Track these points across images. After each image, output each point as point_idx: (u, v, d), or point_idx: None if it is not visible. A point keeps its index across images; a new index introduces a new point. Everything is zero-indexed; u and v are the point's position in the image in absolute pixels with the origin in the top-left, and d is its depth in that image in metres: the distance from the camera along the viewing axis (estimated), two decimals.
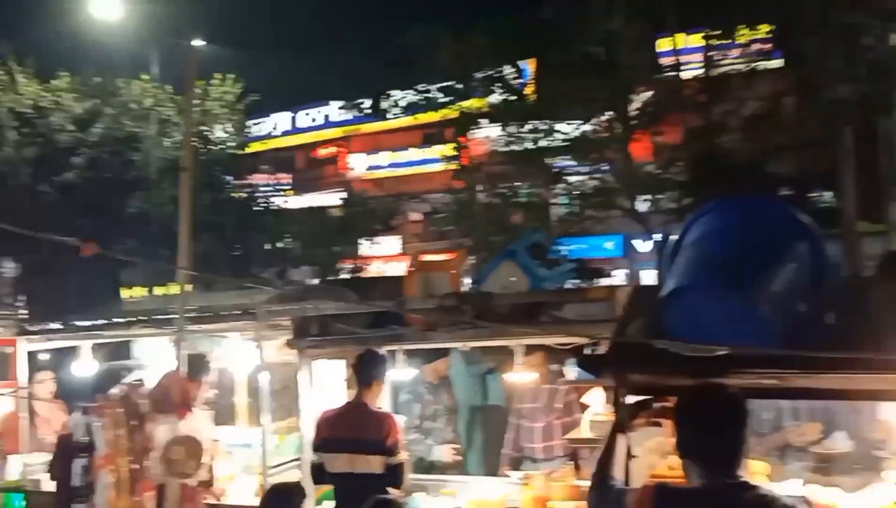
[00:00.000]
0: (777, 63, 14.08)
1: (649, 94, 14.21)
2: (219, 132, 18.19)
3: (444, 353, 5.38)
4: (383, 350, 4.20)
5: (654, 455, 3.51)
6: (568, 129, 14.74)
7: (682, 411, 2.27)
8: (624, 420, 2.56)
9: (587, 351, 3.28)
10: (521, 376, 4.64)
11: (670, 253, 2.50)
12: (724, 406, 2.18)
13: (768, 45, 13.24)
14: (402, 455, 4.07)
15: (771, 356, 2.09)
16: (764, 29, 12.89)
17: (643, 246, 18.55)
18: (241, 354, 5.32)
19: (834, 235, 13.18)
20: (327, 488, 4.38)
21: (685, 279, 2.28)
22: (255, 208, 19.65)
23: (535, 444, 5.20)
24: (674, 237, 2.60)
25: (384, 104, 16.49)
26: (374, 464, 3.94)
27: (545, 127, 14.54)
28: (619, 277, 20.92)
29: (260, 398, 4.93)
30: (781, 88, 13.35)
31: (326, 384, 5.04)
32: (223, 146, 18.24)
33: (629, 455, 2.55)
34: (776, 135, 13.02)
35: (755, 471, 3.44)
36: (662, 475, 3.23)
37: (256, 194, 20.72)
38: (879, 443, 4.02)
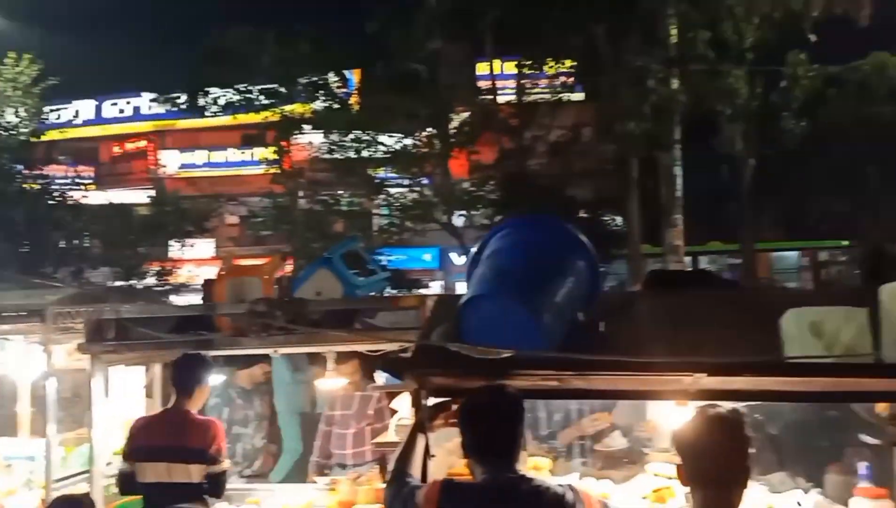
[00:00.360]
0: (579, 96, 15.41)
1: (467, 114, 14.93)
2: (10, 116, 16.43)
3: (259, 358, 5.30)
4: (206, 353, 4.08)
5: (453, 455, 3.72)
6: (390, 141, 15.06)
7: (464, 411, 2.46)
8: (424, 421, 2.72)
9: (406, 357, 3.41)
10: (333, 382, 4.69)
11: (470, 265, 2.73)
12: (501, 406, 2.39)
13: (571, 79, 14.48)
14: (225, 463, 3.99)
15: (550, 358, 2.35)
16: (568, 64, 14.07)
17: (458, 259, 19.34)
18: (26, 359, 4.90)
19: (622, 255, 14.67)
20: (122, 500, 4.16)
21: (479, 289, 2.50)
22: (49, 202, 17.93)
23: (346, 450, 5.23)
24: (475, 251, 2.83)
25: (201, 101, 15.81)
26: (193, 473, 3.81)
27: (368, 138, 14.76)
28: (435, 288, 21.58)
29: (46, 406, 4.56)
30: (582, 119, 14.62)
31: (123, 391, 4.79)
32: (14, 132, 16.49)
33: (428, 455, 2.72)
34: (576, 162, 14.24)
35: (539, 467, 3.78)
36: (459, 473, 3.44)
37: (52, 187, 18.91)
38: (647, 441, 4.56)
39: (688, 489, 2.21)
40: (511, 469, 2.34)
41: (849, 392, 2.61)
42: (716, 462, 2.11)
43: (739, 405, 3.93)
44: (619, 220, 15.53)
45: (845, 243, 16.60)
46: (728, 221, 17.85)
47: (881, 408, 3.05)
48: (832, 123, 16.74)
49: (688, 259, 14.69)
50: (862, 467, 3.36)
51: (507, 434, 2.37)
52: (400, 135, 14.99)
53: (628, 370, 2.37)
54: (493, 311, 2.42)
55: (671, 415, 3.14)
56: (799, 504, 3.48)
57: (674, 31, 11.69)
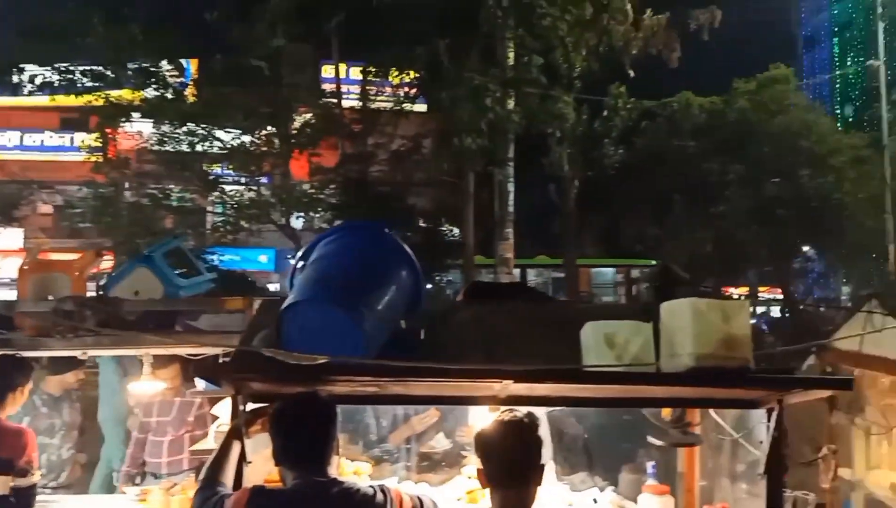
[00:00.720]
0: (422, 108, 15.75)
1: (310, 115, 14.75)
2: None
3: (74, 362, 4.93)
4: (22, 355, 3.76)
5: (270, 461, 3.67)
6: (227, 137, 14.56)
7: (274, 418, 2.46)
8: (240, 427, 2.68)
9: (221, 362, 3.34)
10: (148, 387, 4.47)
11: (294, 270, 2.73)
12: (310, 412, 2.41)
13: (414, 90, 14.76)
14: (36, 476, 3.68)
15: (365, 365, 2.40)
16: (413, 75, 14.35)
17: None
18: None
19: (457, 265, 15.15)
20: None
21: (301, 294, 2.51)
22: None
23: (161, 459, 5.01)
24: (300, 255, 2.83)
25: (16, 77, 14.39)
26: None
27: (203, 131, 14.14)
28: (271, 290, 21.04)
29: None
30: (424, 130, 14.93)
31: None
32: None
33: (244, 461, 2.68)
34: (417, 171, 14.54)
35: (359, 472, 3.84)
36: (278, 480, 3.40)
37: None
38: (467, 444, 4.76)
39: (488, 490, 2.35)
40: (322, 474, 2.38)
41: (635, 398, 2.89)
42: (511, 464, 2.27)
43: (551, 410, 4.25)
44: (456, 231, 16.01)
45: (654, 262, 18.26)
46: (554, 237, 19.04)
47: (666, 413, 3.39)
48: (645, 153, 18.52)
49: (517, 271, 15.45)
50: (650, 466, 3.73)
51: (317, 440, 2.40)
52: (238, 131, 14.51)
53: (441, 376, 2.49)
54: (315, 316, 2.44)
55: (487, 420, 3.32)
56: (595, 500, 3.79)
57: (511, 55, 12.32)
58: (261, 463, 3.50)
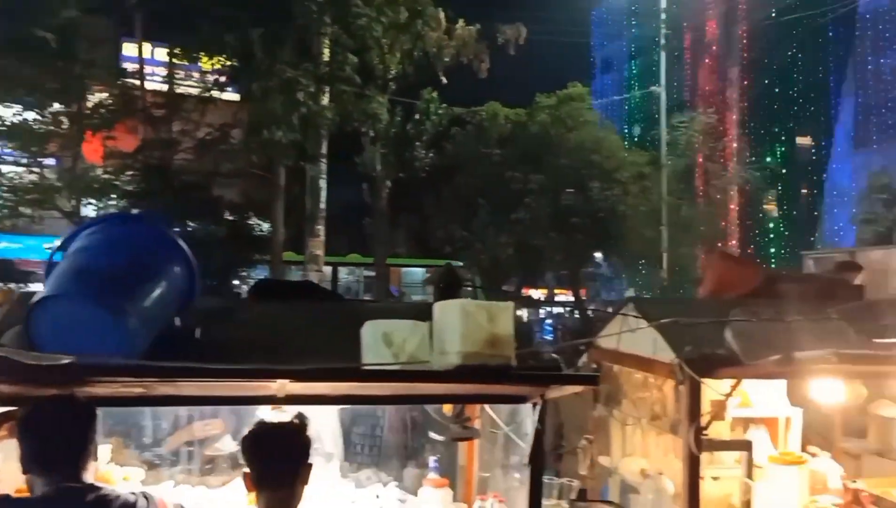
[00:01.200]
0: (234, 97, 15.16)
1: (106, 95, 13.68)
2: None
3: None
4: None
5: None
6: (6, 112, 13.10)
7: (21, 422, 2.25)
8: None
9: None
10: None
11: (50, 262, 2.50)
12: (62, 414, 2.24)
13: (225, 78, 14.18)
14: None
15: (130, 365, 2.26)
16: (224, 62, 13.77)
17: None
18: None
19: (265, 261, 14.74)
20: None
21: (56, 289, 2.31)
22: None
23: None
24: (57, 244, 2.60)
25: None
26: None
27: None
28: None
29: None
30: (235, 120, 14.38)
31: None
32: None
33: None
34: (225, 162, 13.96)
35: (128, 478, 3.61)
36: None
37: None
38: None
39: (253, 494, 2.32)
40: (76, 480, 2.21)
41: (414, 395, 2.99)
42: (274, 466, 2.26)
43: (342, 408, 4.26)
44: (265, 225, 15.56)
45: (461, 264, 18.95)
46: (367, 236, 19.15)
47: (448, 409, 3.53)
48: (454, 158, 19.22)
49: (328, 269, 15.34)
50: (432, 460, 3.87)
51: (69, 444, 2.23)
52: (19, 107, 13.09)
53: (211, 376, 2.40)
54: (70, 312, 2.26)
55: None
56: (378, 496, 3.86)
57: (326, 51, 12.23)
58: (13, 472, 3.19)
